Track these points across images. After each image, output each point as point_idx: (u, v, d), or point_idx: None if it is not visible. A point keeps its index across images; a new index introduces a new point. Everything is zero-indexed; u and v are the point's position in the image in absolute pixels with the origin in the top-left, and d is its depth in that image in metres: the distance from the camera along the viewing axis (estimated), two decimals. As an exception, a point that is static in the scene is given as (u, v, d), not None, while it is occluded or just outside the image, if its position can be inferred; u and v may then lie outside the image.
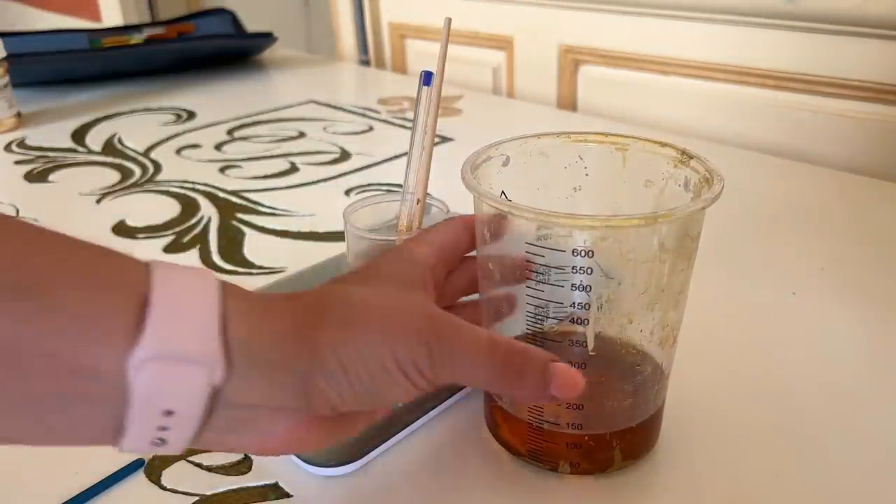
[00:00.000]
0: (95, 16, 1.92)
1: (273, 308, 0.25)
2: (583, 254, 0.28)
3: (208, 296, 0.24)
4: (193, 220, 0.60)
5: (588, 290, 0.29)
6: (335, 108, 0.90)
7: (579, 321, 0.30)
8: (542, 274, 0.29)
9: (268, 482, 0.33)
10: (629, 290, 0.29)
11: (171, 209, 0.62)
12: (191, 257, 0.54)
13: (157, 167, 0.72)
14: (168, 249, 0.55)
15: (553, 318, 0.30)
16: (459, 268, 0.35)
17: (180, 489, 0.33)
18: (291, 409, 0.25)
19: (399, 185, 0.47)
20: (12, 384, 0.21)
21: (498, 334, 0.28)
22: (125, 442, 0.23)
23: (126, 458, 0.34)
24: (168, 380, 0.22)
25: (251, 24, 1.14)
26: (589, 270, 0.29)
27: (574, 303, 0.29)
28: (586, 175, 0.35)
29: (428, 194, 0.41)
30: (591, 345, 0.30)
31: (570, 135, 0.35)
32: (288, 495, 0.33)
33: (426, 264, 0.31)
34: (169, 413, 0.23)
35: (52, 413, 0.22)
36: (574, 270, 0.29)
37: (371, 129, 0.82)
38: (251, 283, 0.48)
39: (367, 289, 0.27)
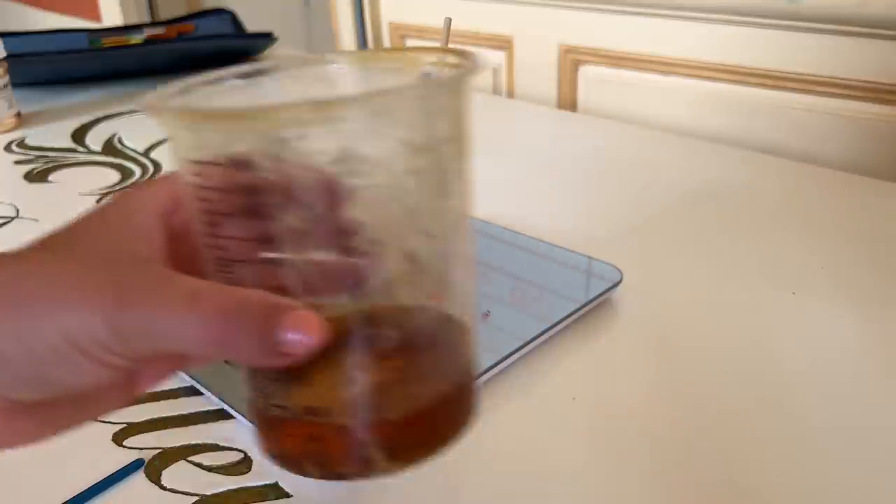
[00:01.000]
0: (95, 16, 1.92)
1: None
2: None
3: None
4: (193, 220, 0.60)
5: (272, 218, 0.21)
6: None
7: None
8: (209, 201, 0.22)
9: (268, 482, 0.33)
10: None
11: (171, 209, 0.62)
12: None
13: (157, 167, 0.72)
14: (168, 249, 0.55)
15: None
16: None
17: (180, 489, 0.33)
18: None
19: (399, 185, 0.46)
20: None
21: (220, 284, 0.22)
22: None
23: (126, 458, 0.35)
24: None
25: (251, 24, 1.14)
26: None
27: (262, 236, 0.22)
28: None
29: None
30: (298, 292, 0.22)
31: (306, 59, 0.27)
32: (288, 495, 0.33)
33: (155, 213, 0.25)
34: None
35: None
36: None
37: (371, 129, 0.82)
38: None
39: (48, 254, 0.22)
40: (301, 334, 0.21)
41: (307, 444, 0.24)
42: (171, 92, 0.24)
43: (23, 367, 0.21)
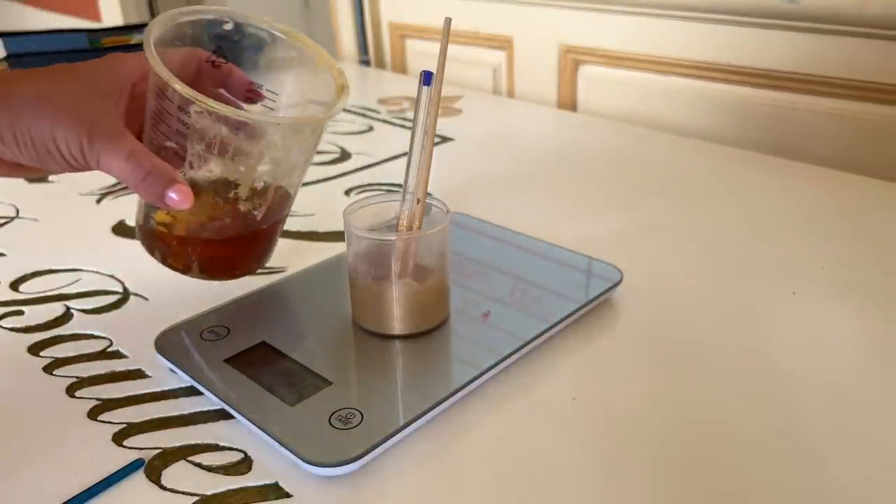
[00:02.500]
0: (95, 16, 1.92)
1: None
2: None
3: None
4: (193, 220, 0.60)
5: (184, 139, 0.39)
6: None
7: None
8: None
9: (268, 482, 0.33)
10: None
11: (171, 209, 0.62)
12: (191, 257, 0.54)
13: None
14: (168, 249, 0.55)
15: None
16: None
17: (180, 489, 0.33)
18: None
19: (399, 185, 0.47)
20: None
21: (148, 151, 0.38)
22: None
23: (126, 458, 0.35)
24: None
25: (251, 24, 1.14)
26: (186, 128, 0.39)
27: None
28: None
29: (428, 194, 0.41)
30: (186, 172, 0.40)
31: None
32: (288, 495, 0.33)
33: (128, 80, 0.40)
34: None
35: None
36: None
37: (371, 129, 0.82)
38: (251, 283, 0.48)
39: (56, 85, 0.38)
40: (180, 198, 0.38)
41: (160, 244, 0.43)
42: (165, 20, 0.40)
43: (27, 150, 0.37)
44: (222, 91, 0.44)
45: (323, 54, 0.44)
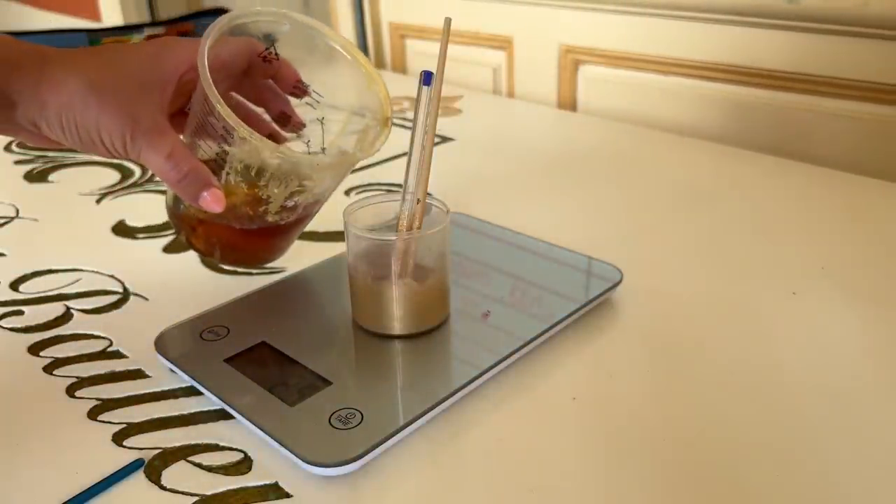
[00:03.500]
0: (95, 15, 1.92)
1: (24, 63, 0.38)
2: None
3: None
4: (193, 220, 0.60)
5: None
6: (335, 108, 0.90)
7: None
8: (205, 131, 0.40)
9: (268, 482, 0.33)
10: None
11: (171, 209, 0.62)
12: (190, 257, 0.54)
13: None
14: (168, 249, 0.55)
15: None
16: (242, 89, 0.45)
17: (180, 489, 0.33)
18: (26, 130, 0.39)
19: (399, 185, 0.47)
20: None
21: (188, 151, 0.39)
22: None
23: (126, 458, 0.35)
24: None
25: (251, 24, 1.14)
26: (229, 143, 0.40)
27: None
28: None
29: (428, 194, 0.41)
30: (222, 177, 0.41)
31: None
32: (288, 495, 0.33)
33: (176, 71, 0.40)
34: None
35: None
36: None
37: (371, 129, 0.82)
38: (251, 283, 0.48)
39: (105, 74, 0.38)
40: (212, 200, 0.39)
41: (187, 226, 0.44)
42: (223, 25, 0.40)
43: (70, 136, 0.39)
44: (270, 81, 0.45)
45: (375, 76, 0.45)
